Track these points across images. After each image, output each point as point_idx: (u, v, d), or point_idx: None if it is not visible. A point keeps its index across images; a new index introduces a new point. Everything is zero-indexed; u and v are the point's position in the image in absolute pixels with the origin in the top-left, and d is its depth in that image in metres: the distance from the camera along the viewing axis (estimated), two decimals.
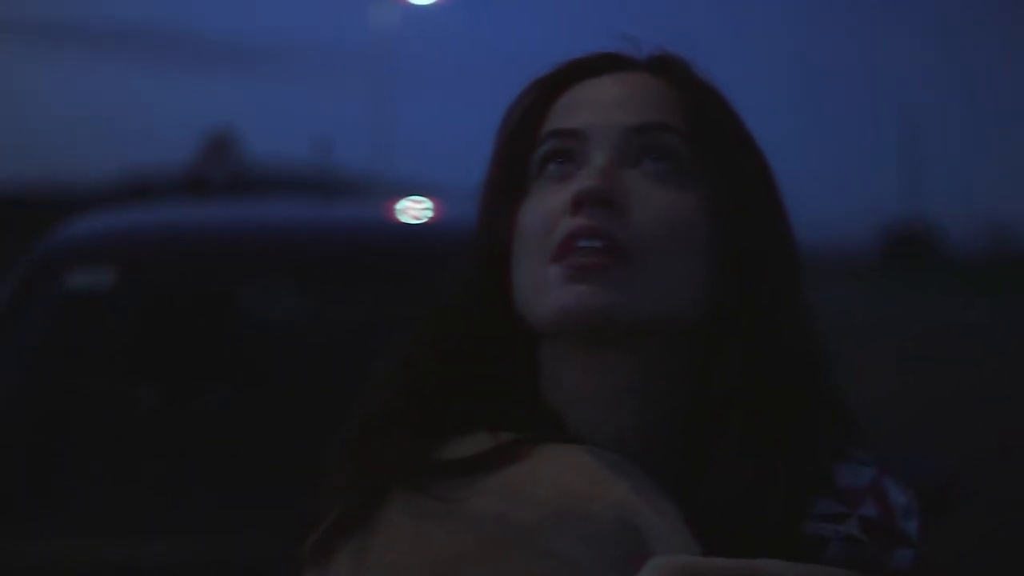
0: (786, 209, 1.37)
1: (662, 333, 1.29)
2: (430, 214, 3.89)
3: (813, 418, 1.31)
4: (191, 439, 3.42)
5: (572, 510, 1.20)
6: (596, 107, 1.34)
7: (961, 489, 3.31)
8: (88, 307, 3.44)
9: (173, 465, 3.31)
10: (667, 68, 1.37)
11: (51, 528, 3.11)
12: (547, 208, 1.30)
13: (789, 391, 1.30)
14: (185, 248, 3.58)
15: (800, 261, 1.37)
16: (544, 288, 1.28)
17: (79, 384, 3.42)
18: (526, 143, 1.36)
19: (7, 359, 3.26)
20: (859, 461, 1.34)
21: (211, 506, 3.20)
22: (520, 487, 1.22)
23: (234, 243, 3.61)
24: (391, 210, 4.10)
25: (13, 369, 3.27)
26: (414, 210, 3.88)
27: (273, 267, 3.62)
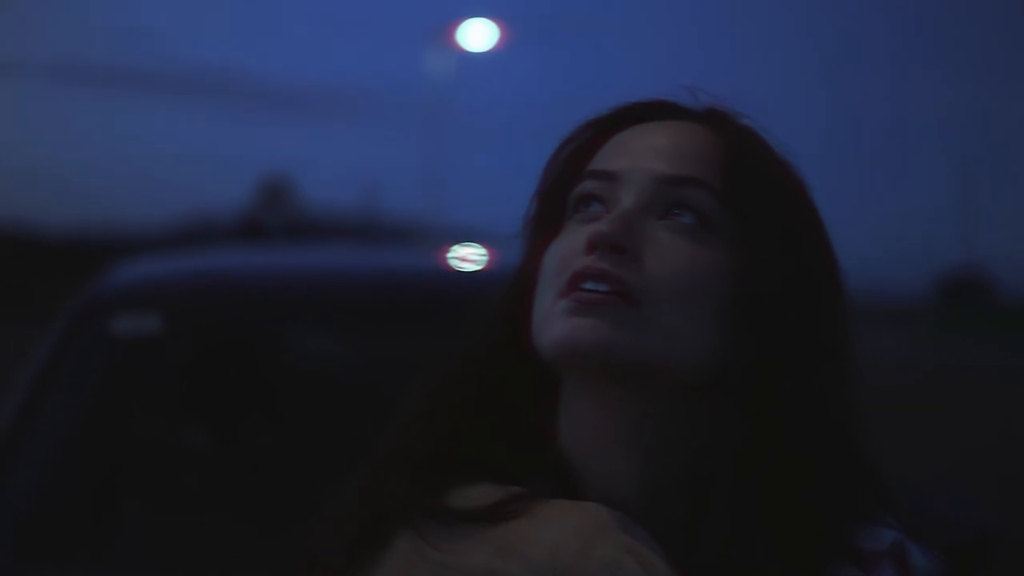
0: (831, 268, 1.35)
1: (668, 382, 1.29)
2: (484, 261, 3.90)
3: (828, 481, 1.29)
4: (238, 481, 3.44)
5: (563, 569, 1.20)
6: (635, 153, 1.34)
7: (1006, 540, 3.28)
8: (135, 351, 3.47)
9: (220, 507, 3.33)
10: (718, 120, 1.37)
11: (101, 571, 3.14)
12: (567, 247, 1.31)
13: (801, 454, 1.29)
14: (231, 293, 3.60)
15: (843, 320, 1.34)
16: (549, 321, 1.29)
17: (127, 427, 3.44)
18: (569, 182, 1.36)
19: (56, 403, 3.29)
20: (882, 523, 1.32)
21: (258, 548, 3.22)
22: (516, 543, 1.23)
23: (279, 288, 3.64)
24: (443, 257, 4.13)
25: (62, 413, 3.30)
26: (468, 257, 3.90)
27: (318, 312, 3.65)
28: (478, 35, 25.71)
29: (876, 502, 1.33)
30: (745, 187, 1.32)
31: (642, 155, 1.33)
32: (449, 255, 4.00)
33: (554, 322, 1.28)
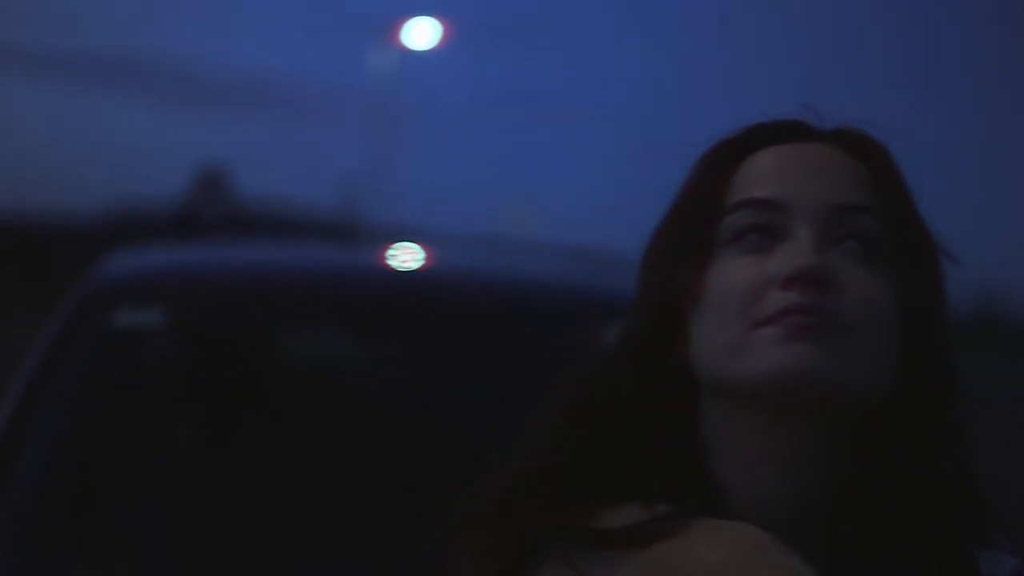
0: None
1: (850, 408, 1.29)
2: (421, 261, 3.90)
3: (962, 504, 1.31)
4: (232, 478, 3.42)
5: None
6: (795, 179, 1.33)
7: None
8: (134, 345, 3.44)
9: (213, 502, 3.31)
10: (854, 142, 1.37)
11: (89, 566, 3.11)
12: (749, 277, 1.30)
13: (941, 479, 1.31)
14: (232, 289, 3.58)
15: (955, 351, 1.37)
16: (749, 350, 1.27)
17: (125, 420, 3.41)
18: (710, 206, 1.34)
19: (55, 395, 3.25)
20: (1001, 548, 1.34)
21: (248, 548, 3.20)
22: (679, 564, 1.21)
23: (281, 285, 3.62)
24: (385, 256, 4.14)
25: (61, 405, 3.26)
26: (406, 257, 3.91)
27: (316, 310, 3.63)
28: (422, 33, 25.67)
29: (992, 526, 1.35)
30: (898, 211, 1.34)
31: (803, 182, 1.33)
32: (390, 254, 4.03)
33: (760, 351, 1.27)
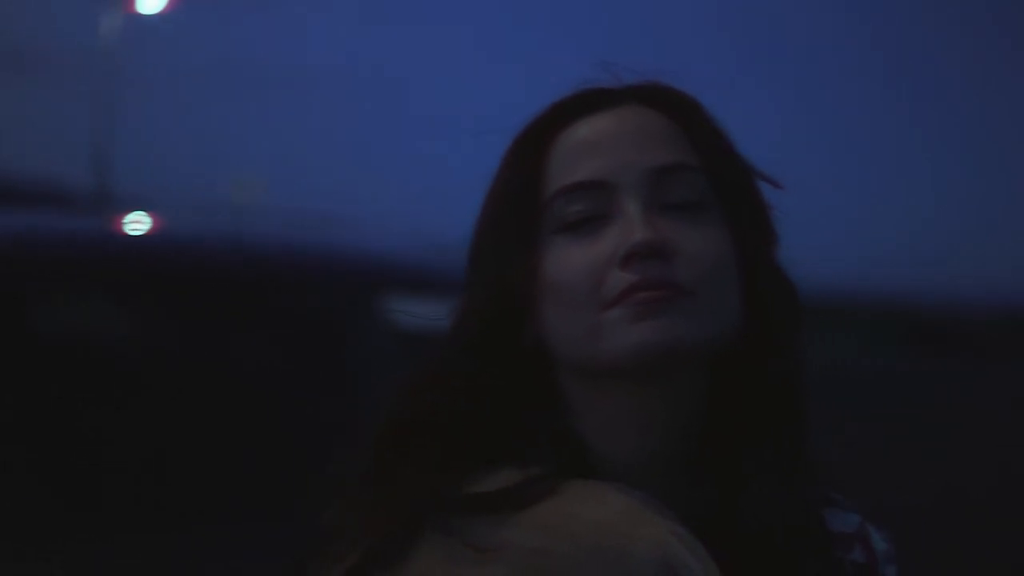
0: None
1: (706, 361, 1.29)
2: (147, 227, 3.91)
3: (808, 450, 1.32)
4: None
5: (611, 547, 1.18)
6: (612, 151, 1.31)
7: None
8: None
9: None
10: (663, 100, 1.35)
11: None
12: (586, 262, 1.28)
13: (791, 425, 1.32)
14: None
15: None
16: (603, 333, 1.26)
17: None
18: (532, 192, 1.32)
19: None
20: (843, 506, 1.37)
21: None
22: (557, 522, 1.21)
23: (37, 256, 3.54)
24: (120, 224, 4.10)
25: None
26: (144, 226, 3.90)
27: (79, 280, 3.55)
28: None
29: (831, 486, 1.37)
30: (720, 161, 1.33)
31: (617, 152, 1.31)
32: (125, 222, 4.02)
33: (616, 332, 1.26)
